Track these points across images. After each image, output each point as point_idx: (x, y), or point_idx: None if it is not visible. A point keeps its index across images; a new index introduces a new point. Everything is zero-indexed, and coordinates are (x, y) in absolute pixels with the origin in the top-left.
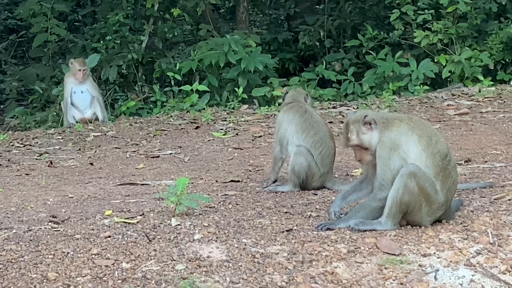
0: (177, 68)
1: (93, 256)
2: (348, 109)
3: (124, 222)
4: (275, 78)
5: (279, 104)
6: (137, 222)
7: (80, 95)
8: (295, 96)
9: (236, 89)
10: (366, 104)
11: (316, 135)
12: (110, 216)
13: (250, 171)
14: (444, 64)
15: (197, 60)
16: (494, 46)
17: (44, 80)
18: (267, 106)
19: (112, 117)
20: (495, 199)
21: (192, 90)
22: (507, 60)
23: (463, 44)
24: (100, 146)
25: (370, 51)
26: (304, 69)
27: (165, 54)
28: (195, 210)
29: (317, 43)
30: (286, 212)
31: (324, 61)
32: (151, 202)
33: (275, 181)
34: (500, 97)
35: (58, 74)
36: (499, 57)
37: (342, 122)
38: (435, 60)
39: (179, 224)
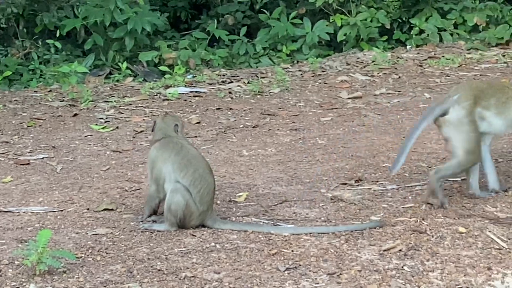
0: (61, 23)
1: None
2: (238, 86)
3: None
4: (162, 42)
5: (163, 74)
6: None
7: None
8: (165, 130)
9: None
10: (257, 76)
11: (196, 172)
12: None
13: (126, 191)
14: (339, 25)
15: (81, 17)
16: (391, 3)
17: None
18: (152, 82)
19: None
20: (384, 251)
21: (71, 71)
22: (404, 19)
23: (360, 2)
24: None
25: (264, 10)
26: (196, 20)
27: (48, 7)
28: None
29: None
30: (159, 270)
31: (216, 13)
32: (13, 244)
33: (150, 215)
34: (396, 68)
35: None
36: (396, 16)
37: (231, 109)
38: (331, 20)
39: None
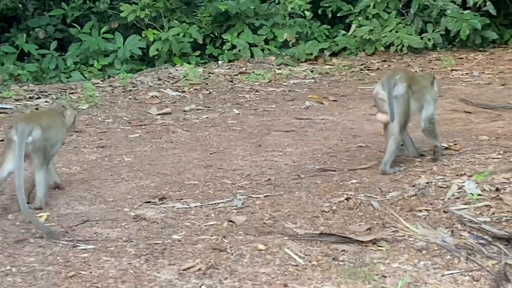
0: None
1: None
2: (46, 102)
3: None
4: None
5: None
6: None
7: None
8: None
9: None
10: (66, 91)
11: None
12: None
13: None
14: (152, 40)
15: None
16: (203, 19)
17: None
18: None
19: None
20: (183, 270)
21: None
22: (216, 34)
23: (172, 17)
24: None
25: (74, 24)
26: (5, 34)
27: None
28: None
29: (20, 5)
30: None
31: (27, 26)
32: None
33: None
34: (207, 84)
35: None
36: (208, 31)
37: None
38: (143, 35)
39: None
